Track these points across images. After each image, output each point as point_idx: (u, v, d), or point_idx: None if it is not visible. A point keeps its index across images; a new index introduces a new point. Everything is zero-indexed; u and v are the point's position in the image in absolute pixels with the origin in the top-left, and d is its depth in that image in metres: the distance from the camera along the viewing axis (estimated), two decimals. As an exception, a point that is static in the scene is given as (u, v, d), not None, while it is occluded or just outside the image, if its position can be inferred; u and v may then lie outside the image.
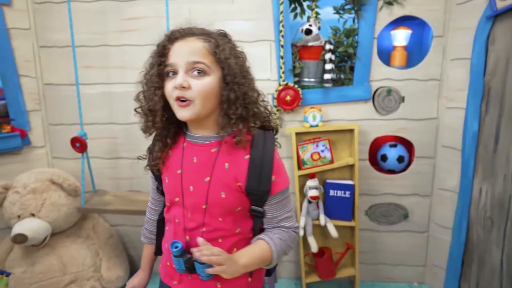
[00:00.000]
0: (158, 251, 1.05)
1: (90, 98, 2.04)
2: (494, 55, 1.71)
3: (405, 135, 2.01)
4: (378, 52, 1.94)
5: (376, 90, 1.96)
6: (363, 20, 1.88)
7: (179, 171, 0.87)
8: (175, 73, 0.81)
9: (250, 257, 0.82)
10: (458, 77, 1.86)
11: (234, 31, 1.96)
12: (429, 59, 1.92)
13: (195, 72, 0.79)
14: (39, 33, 2.03)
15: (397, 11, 1.87)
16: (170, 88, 0.80)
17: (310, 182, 1.94)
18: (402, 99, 1.96)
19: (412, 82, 1.94)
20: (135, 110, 0.88)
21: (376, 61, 1.93)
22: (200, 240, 0.78)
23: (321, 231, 2.09)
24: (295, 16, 2.03)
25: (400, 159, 2.03)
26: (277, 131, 0.93)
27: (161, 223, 1.01)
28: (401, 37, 1.97)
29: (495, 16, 1.66)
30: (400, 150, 2.03)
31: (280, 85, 1.94)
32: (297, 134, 1.95)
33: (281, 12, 1.87)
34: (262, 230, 0.94)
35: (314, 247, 1.97)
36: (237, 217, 0.87)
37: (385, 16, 1.88)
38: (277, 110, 1.98)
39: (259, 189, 0.83)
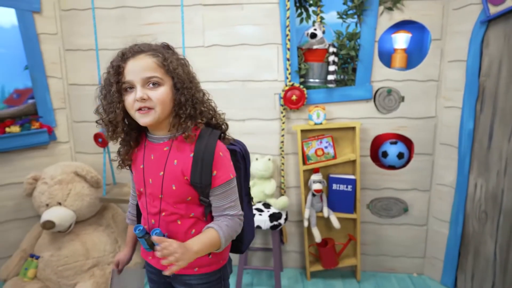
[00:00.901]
0: None
1: (111, 97, 2.21)
2: (488, 58, 1.81)
3: (404, 132, 2.12)
4: (379, 54, 2.06)
5: (377, 90, 2.08)
6: (364, 24, 2.00)
7: (141, 166, 1.02)
8: (132, 87, 0.92)
9: (201, 244, 0.90)
10: (455, 78, 1.97)
11: (243, 35, 2.13)
12: (428, 61, 2.03)
13: (151, 85, 0.91)
14: (65, 37, 2.21)
15: (397, 16, 1.98)
16: (131, 101, 0.92)
17: (314, 176, 2.07)
18: (402, 99, 2.08)
19: (412, 82, 2.06)
20: (96, 122, 0.99)
21: (377, 63, 2.05)
22: (154, 238, 0.89)
23: (324, 223, 2.22)
24: (301, 20, 2.16)
25: (400, 155, 2.14)
26: (226, 127, 1.06)
27: (138, 208, 1.15)
28: (401, 40, 2.09)
29: (489, 21, 1.77)
30: (400, 147, 2.15)
31: (286, 85, 2.08)
32: (302, 131, 2.08)
33: (288, 18, 2.00)
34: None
35: (318, 237, 2.10)
36: (189, 204, 1.00)
37: (386, 20, 2.00)
38: (284, 109, 2.12)
39: (201, 182, 0.94)
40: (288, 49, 2.04)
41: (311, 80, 2.13)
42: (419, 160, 2.14)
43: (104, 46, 2.14)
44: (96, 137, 2.03)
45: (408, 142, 2.17)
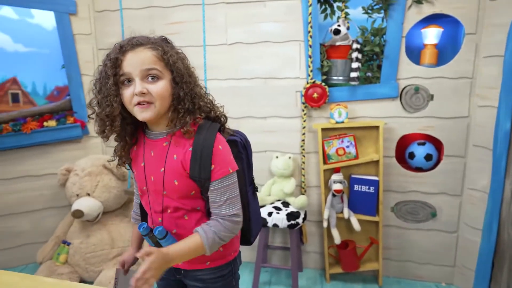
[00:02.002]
0: None
1: (138, 94, 2.30)
2: (527, 52, 1.66)
3: (433, 133, 2.01)
4: (407, 50, 1.96)
5: (404, 88, 1.99)
6: (391, 19, 1.92)
7: (142, 164, 1.00)
8: (130, 81, 0.89)
9: (180, 251, 0.91)
10: (490, 75, 1.83)
11: (266, 33, 2.13)
12: (461, 57, 1.90)
13: (150, 78, 0.89)
14: (98, 37, 2.34)
15: (427, 10, 1.88)
16: (129, 95, 0.89)
17: (335, 176, 2.02)
18: (431, 97, 1.96)
19: (442, 80, 1.94)
20: (88, 116, 0.97)
21: (404, 59, 1.96)
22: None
23: (345, 224, 2.15)
24: (325, 17, 2.12)
25: (428, 157, 2.03)
26: (225, 119, 1.03)
27: (142, 207, 1.13)
28: (431, 35, 1.97)
29: (529, 12, 1.62)
30: (428, 148, 2.03)
31: (308, 83, 2.05)
32: (323, 130, 2.04)
33: (310, 14, 1.97)
34: None
35: (337, 239, 2.05)
36: (193, 198, 0.99)
37: (414, 14, 1.90)
38: (305, 107, 2.09)
39: (200, 176, 0.92)
40: (310, 46, 2.00)
41: (334, 77, 2.08)
42: (449, 162, 2.01)
43: (133, 45, 2.23)
44: (123, 132, 2.13)
45: (437, 143, 2.05)
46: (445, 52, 2.02)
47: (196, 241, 0.93)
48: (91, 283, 2.09)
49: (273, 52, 2.11)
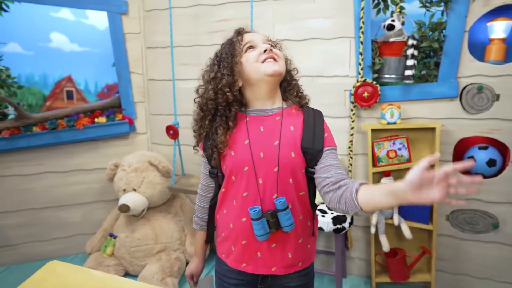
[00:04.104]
0: (209, 238, 1.14)
1: (184, 92, 2.31)
2: None
3: (498, 136, 1.83)
4: (472, 46, 1.80)
5: (465, 87, 1.83)
6: (452, 12, 1.77)
7: (246, 142, 0.94)
8: (252, 47, 0.97)
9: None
10: None
11: (314, 29, 2.06)
12: (533, 53, 1.71)
13: (270, 45, 0.97)
14: (147, 36, 2.39)
15: (496, 0, 1.71)
16: (256, 54, 0.95)
17: (385, 180, 1.91)
18: (497, 97, 1.79)
19: (510, 78, 1.76)
20: (194, 100, 1.03)
21: (466, 56, 1.80)
22: None
23: (395, 231, 2.03)
24: (378, 12, 2.00)
25: (491, 162, 1.85)
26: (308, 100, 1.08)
27: (212, 210, 1.07)
28: (499, 28, 1.79)
29: None
30: (491, 153, 1.86)
31: (358, 81, 1.95)
32: (373, 130, 1.93)
33: (362, 8, 1.87)
34: (313, 197, 1.00)
35: (385, 246, 1.93)
36: (301, 179, 0.95)
37: (480, 6, 1.74)
38: (354, 106, 1.99)
39: (313, 147, 0.92)
40: (361, 43, 1.90)
41: (387, 75, 1.96)
42: (515, 169, 1.82)
43: (179, 43, 2.25)
44: (168, 129, 2.15)
45: (502, 148, 1.87)
46: (514, 48, 1.84)
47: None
48: (135, 276, 2.14)
49: (322, 49, 2.03)
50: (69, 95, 2.46)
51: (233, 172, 0.95)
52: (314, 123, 0.95)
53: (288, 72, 1.02)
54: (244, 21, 2.08)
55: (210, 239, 1.15)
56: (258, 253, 0.96)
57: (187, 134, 2.35)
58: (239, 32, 1.00)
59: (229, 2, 2.15)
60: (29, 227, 2.37)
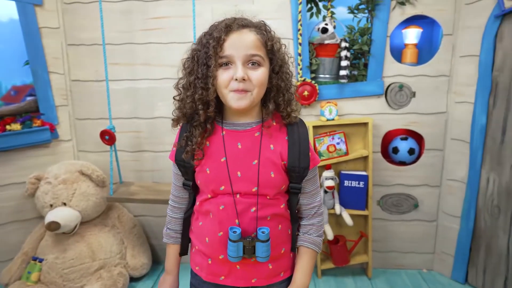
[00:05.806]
0: (183, 251, 1.05)
1: (116, 94, 2.13)
2: (502, 52, 1.81)
3: (415, 128, 2.12)
4: (390, 49, 2.04)
5: (389, 86, 2.07)
6: (376, 19, 1.98)
7: (223, 159, 0.88)
8: (228, 63, 0.83)
9: (309, 272, 0.96)
10: (466, 73, 1.97)
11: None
12: (439, 56, 2.02)
13: (250, 64, 0.83)
14: (67, 31, 2.13)
15: (409, 11, 1.97)
16: (227, 78, 0.83)
17: (326, 173, 2.05)
18: (413, 94, 2.07)
19: (423, 78, 2.05)
20: (174, 98, 0.91)
21: (388, 58, 2.04)
22: None
23: (335, 220, 2.19)
24: (311, 15, 2.14)
25: (411, 151, 2.13)
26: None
27: (187, 221, 1.01)
28: (412, 35, 2.08)
29: (503, 15, 1.76)
30: (410, 143, 2.14)
31: (298, 81, 2.05)
32: (314, 127, 2.06)
33: (299, 12, 1.97)
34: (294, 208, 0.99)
35: (330, 235, 2.07)
36: (281, 194, 0.94)
37: (398, 15, 1.98)
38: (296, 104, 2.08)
39: (299, 165, 0.89)
40: (300, 44, 2.01)
41: (322, 75, 2.10)
42: (429, 155, 2.13)
43: (109, 40, 2.07)
44: (103, 134, 1.96)
45: (418, 138, 2.16)
46: (424, 52, 2.14)
47: (312, 256, 0.96)
48: (71, 301, 1.90)
49: (261, 49, 2.08)
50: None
51: (208, 190, 0.91)
52: (299, 140, 0.89)
53: (281, 78, 0.88)
54: (182, 19, 2.03)
55: (184, 252, 1.07)
56: (238, 266, 0.93)
57: (121, 138, 2.18)
58: (228, 29, 0.83)
59: (165, -2, 2.05)
60: None
